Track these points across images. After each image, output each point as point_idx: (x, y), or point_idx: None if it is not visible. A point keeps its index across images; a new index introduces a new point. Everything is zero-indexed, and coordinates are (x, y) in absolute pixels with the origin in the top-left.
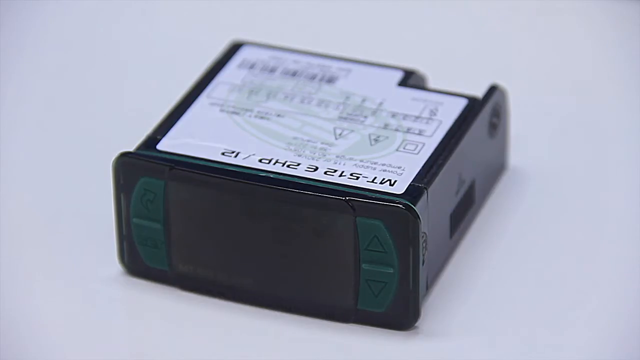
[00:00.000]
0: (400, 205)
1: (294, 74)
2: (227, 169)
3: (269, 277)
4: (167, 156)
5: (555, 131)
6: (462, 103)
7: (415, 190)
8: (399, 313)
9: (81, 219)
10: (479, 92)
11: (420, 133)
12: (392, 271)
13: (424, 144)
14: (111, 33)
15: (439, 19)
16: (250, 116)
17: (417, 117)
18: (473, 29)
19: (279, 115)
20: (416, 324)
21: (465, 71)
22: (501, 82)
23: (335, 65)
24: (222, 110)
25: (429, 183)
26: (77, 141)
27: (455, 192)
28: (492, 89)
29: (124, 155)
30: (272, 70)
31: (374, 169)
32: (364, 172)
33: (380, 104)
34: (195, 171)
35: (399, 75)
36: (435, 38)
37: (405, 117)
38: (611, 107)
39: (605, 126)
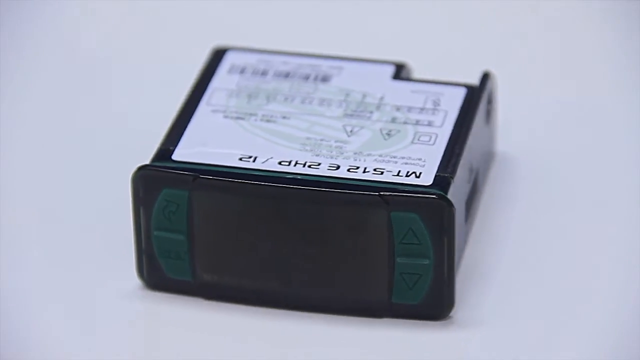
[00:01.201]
0: (436, 197)
1: (287, 75)
2: (252, 174)
3: (298, 279)
4: (188, 166)
5: (534, 116)
6: (462, 92)
7: (442, 181)
8: (434, 303)
9: (94, 235)
10: (462, 80)
11: (429, 124)
12: (427, 262)
13: (437, 135)
14: (87, 44)
15: (414, 10)
16: (256, 120)
17: (421, 109)
18: (449, 19)
19: (284, 117)
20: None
21: (447, 60)
22: (477, 68)
23: (325, 64)
24: (226, 117)
25: (453, 172)
26: (74, 159)
27: (467, 180)
28: (486, 76)
29: (144, 168)
30: (264, 73)
31: (395, 162)
32: (387, 167)
33: (382, 98)
34: (221, 178)
35: (390, 69)
36: (411, 29)
37: (410, 109)
38: (587, 89)
39: (586, 108)
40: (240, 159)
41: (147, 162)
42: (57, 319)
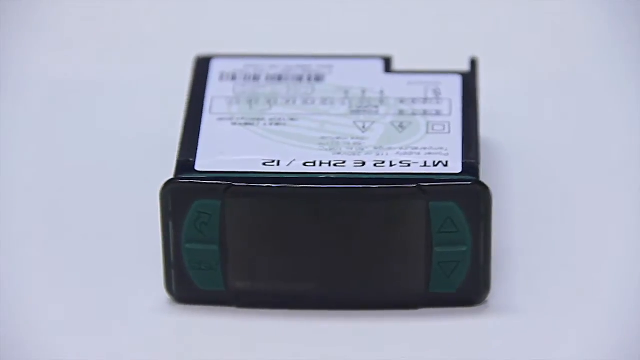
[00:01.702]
0: (473, 183)
1: (280, 78)
2: (285, 177)
3: (334, 278)
4: (217, 175)
5: (511, 102)
6: (458, 79)
7: (471, 167)
8: (471, 290)
9: (114, 253)
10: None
11: (438, 113)
12: (465, 249)
13: (449, 123)
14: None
15: (381, 5)
16: (265, 124)
17: (425, 99)
18: (421, 10)
19: (292, 119)
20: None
21: (424, 50)
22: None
23: (313, 63)
24: (234, 124)
25: (477, 158)
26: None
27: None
28: (474, 63)
29: (173, 182)
30: (256, 78)
31: (418, 154)
32: (412, 159)
33: (382, 92)
34: (255, 185)
35: (379, 63)
36: (381, 23)
37: (414, 100)
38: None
39: (569, 95)
40: (264, 164)
41: (156, 174)
42: (89, 341)
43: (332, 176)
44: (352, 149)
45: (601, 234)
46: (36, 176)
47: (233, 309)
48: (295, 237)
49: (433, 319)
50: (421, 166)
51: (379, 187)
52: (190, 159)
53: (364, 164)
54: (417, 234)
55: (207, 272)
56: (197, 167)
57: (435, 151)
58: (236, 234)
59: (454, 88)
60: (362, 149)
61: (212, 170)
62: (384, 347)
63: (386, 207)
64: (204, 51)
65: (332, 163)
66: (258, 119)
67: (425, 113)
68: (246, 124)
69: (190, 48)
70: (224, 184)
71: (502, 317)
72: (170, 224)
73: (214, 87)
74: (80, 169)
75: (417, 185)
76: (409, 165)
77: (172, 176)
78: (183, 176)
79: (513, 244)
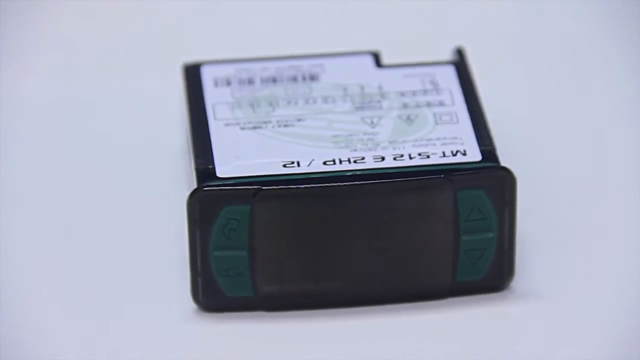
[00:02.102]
0: (499, 170)
1: (275, 80)
2: (311, 177)
3: (363, 274)
4: (243, 180)
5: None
6: (451, 69)
7: (490, 154)
8: (496, 276)
9: (137, 266)
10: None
11: (441, 104)
12: (491, 235)
13: (455, 113)
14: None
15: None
16: (273, 127)
17: (425, 91)
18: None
19: (299, 120)
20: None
21: (403, 43)
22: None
23: (304, 63)
24: (242, 128)
25: (492, 145)
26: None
27: None
28: (461, 52)
29: (200, 190)
30: (251, 81)
31: (434, 145)
32: (429, 150)
33: (380, 87)
34: (284, 187)
35: (369, 58)
36: (351, 19)
37: (414, 93)
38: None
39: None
40: (285, 166)
41: (167, 183)
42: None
43: (358, 173)
44: (367, 144)
45: (621, 220)
46: (53, 189)
47: (261, 313)
48: (324, 236)
49: (461, 308)
50: (440, 157)
51: (407, 180)
52: (210, 167)
53: (383, 158)
54: (445, 224)
55: (235, 278)
56: (219, 174)
57: (450, 141)
58: (265, 237)
59: (449, 78)
60: (378, 144)
61: (236, 176)
62: (416, 340)
63: (414, 200)
64: (183, 58)
65: (352, 160)
66: (265, 122)
67: (429, 105)
68: (254, 127)
69: (168, 56)
70: (253, 189)
71: (527, 302)
72: (198, 232)
73: (212, 94)
74: (90, 182)
75: (445, 176)
76: (428, 156)
77: (195, 185)
78: (209, 184)
79: (531, 229)
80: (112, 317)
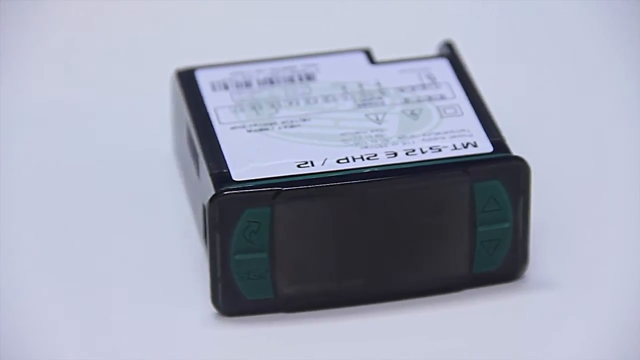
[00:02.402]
0: (514, 160)
1: (272, 81)
2: (329, 176)
3: (382, 270)
4: (262, 182)
5: None
6: (444, 62)
7: (500, 144)
8: (511, 265)
9: (153, 273)
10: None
11: (443, 98)
12: (507, 225)
13: (458, 105)
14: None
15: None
16: (280, 128)
17: (423, 85)
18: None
19: (304, 120)
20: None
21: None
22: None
23: (297, 63)
24: (249, 131)
25: (501, 135)
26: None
27: None
28: (450, 45)
29: (220, 194)
30: (248, 84)
31: (443, 138)
32: (440, 143)
33: (379, 83)
34: (304, 187)
35: (361, 56)
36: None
37: (413, 88)
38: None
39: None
40: (299, 166)
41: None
42: None
43: (376, 169)
44: (376, 141)
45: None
46: (54, 199)
47: (281, 315)
48: (345, 234)
49: (478, 299)
50: (452, 149)
51: (425, 175)
52: (224, 171)
53: (395, 154)
54: (461, 216)
55: (256, 281)
56: (235, 177)
57: (458, 134)
58: (285, 238)
59: (445, 71)
60: (387, 140)
61: (252, 179)
62: (438, 334)
63: (432, 194)
64: (163, 64)
65: (365, 157)
66: (271, 124)
67: (430, 99)
68: (261, 129)
69: (150, 62)
70: (273, 190)
71: (543, 291)
72: (218, 236)
73: (212, 98)
74: (86, 186)
75: (462, 168)
76: (440, 150)
77: (212, 190)
78: (229, 188)
79: (545, 216)
80: (130, 325)
